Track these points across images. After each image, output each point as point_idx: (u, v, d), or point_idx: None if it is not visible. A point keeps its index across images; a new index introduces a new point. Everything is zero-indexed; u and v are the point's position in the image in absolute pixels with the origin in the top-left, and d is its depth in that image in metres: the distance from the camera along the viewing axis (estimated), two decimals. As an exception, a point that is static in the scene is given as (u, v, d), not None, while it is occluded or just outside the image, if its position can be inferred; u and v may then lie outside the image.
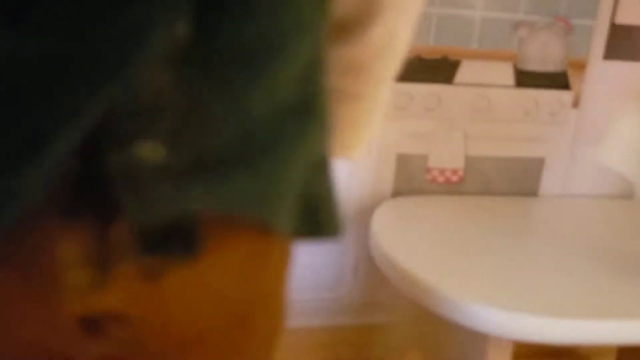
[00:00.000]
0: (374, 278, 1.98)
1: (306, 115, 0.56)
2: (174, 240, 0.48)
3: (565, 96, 1.99)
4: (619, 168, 2.11)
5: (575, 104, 2.01)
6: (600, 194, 2.13)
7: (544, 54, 1.94)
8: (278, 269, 0.62)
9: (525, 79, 1.95)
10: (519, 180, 2.05)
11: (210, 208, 0.49)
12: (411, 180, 1.98)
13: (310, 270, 1.97)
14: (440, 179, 1.99)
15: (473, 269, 1.51)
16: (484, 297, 1.36)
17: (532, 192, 2.07)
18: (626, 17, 1.96)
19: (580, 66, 1.98)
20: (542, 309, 1.34)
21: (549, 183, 2.07)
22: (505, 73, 1.93)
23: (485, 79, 1.93)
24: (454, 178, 2.00)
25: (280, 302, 0.64)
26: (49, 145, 0.42)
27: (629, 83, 2.04)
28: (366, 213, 1.87)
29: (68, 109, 0.42)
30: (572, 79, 1.98)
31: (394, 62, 0.83)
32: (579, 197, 2.11)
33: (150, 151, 0.46)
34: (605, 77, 2.01)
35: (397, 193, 1.97)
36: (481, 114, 1.96)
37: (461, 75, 1.90)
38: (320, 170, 0.63)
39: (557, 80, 1.97)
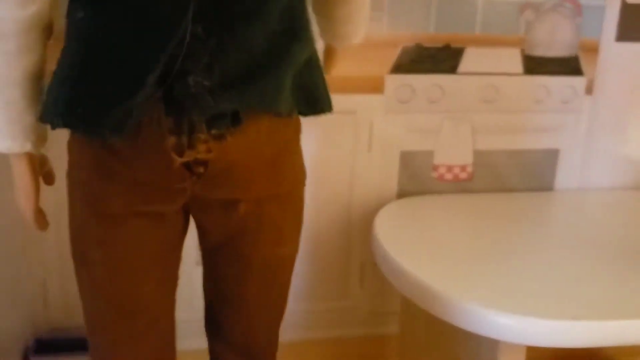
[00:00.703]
0: (381, 286, 1.85)
1: (290, 36, 0.93)
2: (224, 121, 0.90)
3: (577, 82, 1.86)
4: (636, 158, 1.98)
5: (589, 90, 1.88)
6: (620, 186, 1.99)
7: (553, 37, 1.81)
8: (291, 134, 1.03)
9: (535, 65, 1.82)
10: (532, 175, 1.91)
11: (238, 106, 0.90)
12: (417, 179, 1.85)
13: (313, 279, 1.84)
14: (448, 176, 1.86)
15: (484, 273, 1.39)
16: (493, 302, 1.25)
17: (547, 186, 1.93)
18: (639, -5, 1.84)
19: (592, 49, 1.85)
20: (555, 312, 1.23)
21: (565, 176, 1.94)
22: (512, 60, 1.81)
23: (491, 67, 1.80)
24: (463, 175, 1.87)
25: (296, 155, 1.06)
26: (146, 79, 0.84)
27: (645, 66, 1.90)
28: (370, 216, 1.74)
29: (155, 57, 0.84)
30: (584, 64, 1.85)
31: None
32: (597, 190, 1.97)
33: (195, 79, 0.87)
34: (619, 60, 1.88)
35: (402, 194, 1.85)
36: (489, 104, 1.83)
37: (465, 63, 1.78)
38: (309, 67, 1.00)
39: (569, 66, 1.84)
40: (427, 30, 1.73)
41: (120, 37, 0.86)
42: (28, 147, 0.97)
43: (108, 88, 0.87)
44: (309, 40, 0.99)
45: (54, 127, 0.93)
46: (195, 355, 1.30)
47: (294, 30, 0.94)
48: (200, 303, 1.20)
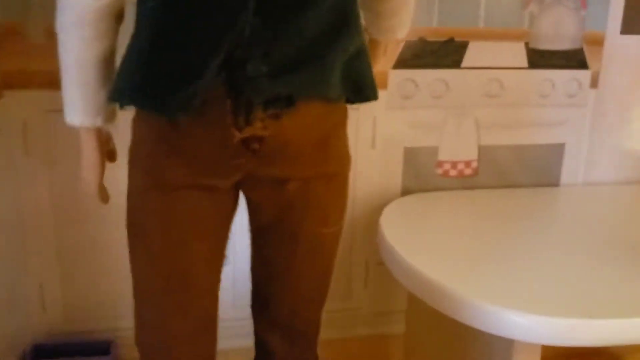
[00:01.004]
0: (386, 285, 1.81)
1: (341, 26, 1.00)
2: (279, 103, 0.97)
3: (582, 76, 1.83)
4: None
5: (594, 83, 1.85)
6: (625, 181, 1.96)
7: (557, 30, 1.78)
8: (338, 119, 1.09)
9: (539, 58, 1.79)
10: (538, 170, 1.88)
11: (291, 90, 0.97)
12: (421, 175, 1.82)
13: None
14: (453, 172, 1.83)
15: (493, 270, 1.35)
16: (508, 301, 1.22)
17: (553, 181, 1.90)
18: (644, -13, 1.81)
19: (597, 42, 1.82)
20: (570, 310, 1.20)
21: (571, 171, 1.91)
22: (517, 53, 1.78)
23: (495, 61, 1.77)
24: (468, 171, 1.84)
25: (342, 139, 1.12)
26: (209, 64, 0.92)
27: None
28: (374, 214, 1.71)
29: (218, 45, 0.92)
30: (589, 57, 1.82)
31: None
32: (604, 185, 1.94)
33: (254, 65, 0.94)
34: (624, 53, 1.85)
35: (406, 191, 1.81)
36: (493, 99, 1.80)
37: (469, 58, 1.75)
38: (358, 57, 1.05)
39: (574, 59, 1.81)
40: (430, 24, 1.70)
41: (186, 25, 0.94)
42: (99, 121, 1.09)
43: (175, 72, 0.95)
44: (359, 32, 1.05)
45: (122, 106, 1.02)
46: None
47: (344, 21, 1.01)
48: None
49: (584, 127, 1.88)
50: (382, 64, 1.40)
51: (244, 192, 1.11)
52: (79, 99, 1.07)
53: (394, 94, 1.73)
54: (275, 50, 0.95)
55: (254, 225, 1.16)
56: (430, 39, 1.71)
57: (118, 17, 1.05)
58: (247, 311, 1.25)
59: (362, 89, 1.08)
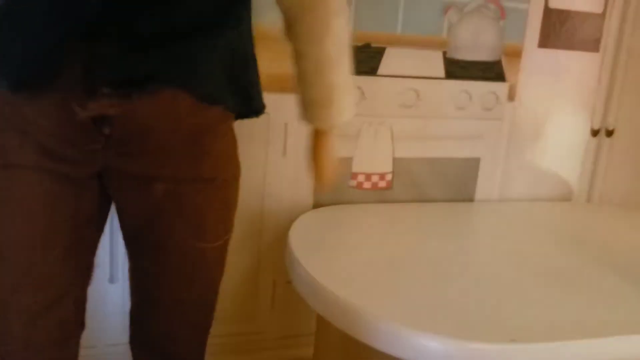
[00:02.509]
0: (294, 306, 1.69)
1: (215, 21, 0.94)
2: (133, 84, 0.90)
3: (500, 88, 1.79)
4: (556, 169, 1.93)
5: (511, 96, 1.81)
6: (541, 197, 1.93)
7: (476, 41, 1.73)
8: (216, 118, 0.99)
9: (457, 69, 1.73)
10: (453, 184, 1.82)
11: (144, 72, 0.90)
12: (334, 187, 1.71)
13: (219, 301, 1.66)
14: (367, 185, 1.74)
15: (407, 290, 1.26)
16: (423, 324, 1.12)
17: (467, 196, 1.84)
18: (561, 1, 1.79)
19: (514, 54, 1.79)
20: (491, 334, 1.11)
21: (486, 186, 1.86)
22: (434, 62, 1.71)
23: (412, 70, 1.69)
24: (382, 183, 1.75)
25: (224, 142, 1.02)
26: (52, 39, 0.88)
27: (565, 74, 1.86)
28: (283, 228, 1.59)
29: (66, 23, 0.88)
30: (507, 69, 1.78)
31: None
32: (519, 201, 1.90)
33: (107, 43, 0.88)
34: (541, 67, 1.82)
35: (318, 203, 1.70)
36: (409, 109, 1.72)
37: (386, 65, 1.66)
38: (245, 66, 1.02)
39: (491, 71, 1.77)
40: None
41: (35, 4, 0.89)
42: None
43: (21, 41, 0.90)
44: (240, 36, 1.00)
45: None
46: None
47: (220, 18, 0.94)
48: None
49: (500, 141, 1.83)
50: (329, 163, 1.20)
51: (109, 191, 1.02)
52: None
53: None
54: (132, 31, 0.88)
55: (123, 232, 1.06)
56: (346, 43, 1.61)
57: None
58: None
59: (252, 98, 1.03)
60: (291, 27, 1.07)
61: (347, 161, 1.70)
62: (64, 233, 0.98)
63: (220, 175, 1.02)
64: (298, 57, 1.09)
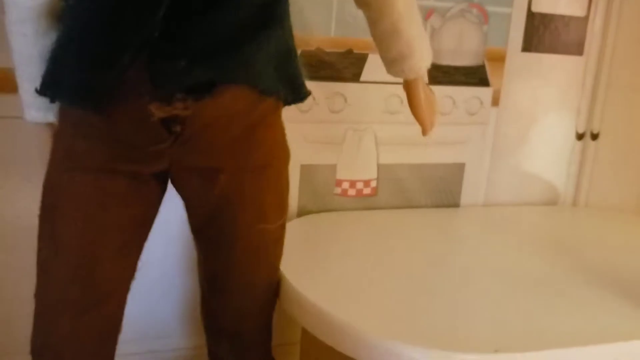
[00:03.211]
0: (280, 314, 1.67)
1: (260, 25, 1.00)
2: (201, 88, 0.96)
3: (484, 93, 1.78)
4: (542, 173, 1.92)
5: (495, 101, 1.80)
6: (526, 202, 1.93)
7: (459, 46, 1.72)
8: (269, 109, 1.08)
9: (440, 74, 1.72)
10: (438, 190, 1.81)
11: (211, 77, 0.97)
12: (318, 195, 1.70)
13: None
14: (351, 192, 1.73)
15: (392, 300, 1.24)
16: (408, 336, 1.11)
17: (453, 202, 1.84)
18: (544, 5, 1.78)
19: (498, 59, 1.78)
20: (475, 344, 1.10)
21: (471, 191, 1.85)
22: (417, 68, 1.69)
23: (396, 76, 1.68)
24: (367, 190, 1.74)
25: (274, 130, 1.12)
26: (122, 56, 0.93)
27: (549, 78, 1.85)
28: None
29: (130, 39, 0.93)
30: (490, 74, 1.78)
31: None
32: (504, 206, 1.90)
33: (171, 59, 0.94)
34: (525, 71, 1.82)
35: (303, 211, 1.69)
36: (393, 115, 1.71)
37: (368, 71, 1.65)
38: (289, 59, 1.09)
39: (475, 76, 1.76)
40: (327, 33, 1.59)
41: (99, 21, 0.95)
42: (50, 117, 1.10)
43: (87, 63, 0.96)
44: (283, 32, 1.06)
45: (41, 95, 1.02)
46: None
47: (264, 20, 1.00)
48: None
49: (484, 146, 1.82)
50: (428, 110, 1.31)
51: (175, 186, 1.10)
52: (30, 95, 1.07)
53: (290, 106, 1.60)
54: (192, 44, 0.95)
55: (191, 225, 1.15)
56: (329, 49, 1.60)
57: (59, 17, 1.04)
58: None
59: (300, 85, 1.12)
60: None
61: (332, 168, 1.69)
62: (118, 233, 1.04)
63: (274, 162, 1.11)
64: (374, 22, 1.20)
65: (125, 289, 1.10)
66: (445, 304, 1.25)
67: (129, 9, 0.92)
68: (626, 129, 1.96)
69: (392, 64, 1.24)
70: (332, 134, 1.67)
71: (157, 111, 0.96)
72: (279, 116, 1.13)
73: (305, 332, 1.65)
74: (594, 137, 1.93)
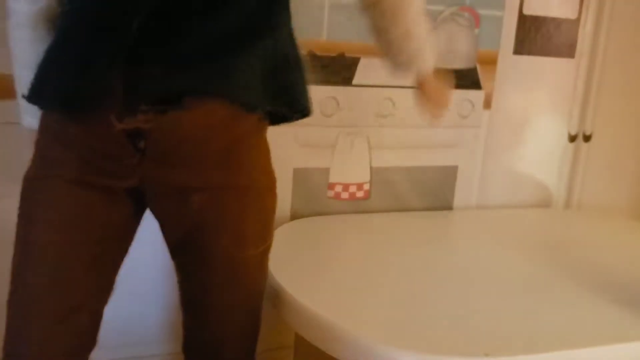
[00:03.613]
0: (274, 318, 1.67)
1: (252, 33, 0.96)
2: (169, 99, 0.93)
3: (476, 96, 1.79)
4: (534, 175, 1.93)
5: (487, 104, 1.81)
6: (519, 204, 1.93)
7: (450, 48, 1.72)
8: (251, 127, 1.02)
9: (432, 77, 1.72)
10: (431, 193, 1.82)
11: (182, 88, 0.94)
12: (311, 198, 1.70)
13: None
14: (344, 195, 1.73)
15: (385, 305, 1.25)
16: (401, 340, 1.11)
17: (446, 205, 1.84)
18: (535, 8, 1.79)
19: (489, 62, 1.78)
20: (466, 349, 1.10)
21: (464, 194, 1.85)
22: (409, 71, 1.70)
23: (387, 79, 1.68)
24: (360, 194, 1.74)
25: (257, 151, 1.04)
26: (95, 63, 0.92)
27: (541, 80, 1.86)
28: (260, 240, 1.57)
29: (106, 46, 0.92)
30: (482, 77, 1.78)
31: None
32: (497, 209, 1.90)
33: (148, 65, 0.92)
34: (517, 73, 1.82)
35: (295, 215, 1.69)
36: (385, 119, 1.71)
37: (361, 74, 1.66)
38: (286, 69, 1.02)
39: (467, 79, 1.77)
40: (319, 37, 1.59)
41: (81, 27, 0.95)
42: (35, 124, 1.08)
43: (66, 69, 0.96)
44: (276, 42, 1.01)
45: (27, 100, 1.01)
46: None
47: (254, 29, 0.97)
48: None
49: (477, 149, 1.83)
50: (440, 100, 1.28)
51: (149, 206, 1.05)
52: (25, 101, 1.06)
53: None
54: (170, 51, 0.93)
55: (167, 245, 1.09)
56: (320, 53, 1.60)
57: (55, 22, 1.04)
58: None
59: (296, 100, 1.05)
60: (375, 6, 1.15)
61: (324, 172, 1.69)
62: (91, 244, 1.01)
63: (254, 184, 1.04)
64: (384, 30, 1.16)
65: (100, 302, 1.06)
66: (438, 308, 1.25)
67: (110, 14, 0.92)
68: (618, 130, 1.96)
69: (400, 67, 1.22)
70: (325, 138, 1.67)
71: (118, 123, 0.93)
72: (263, 138, 1.06)
73: (299, 336, 1.65)
74: (587, 139, 1.94)
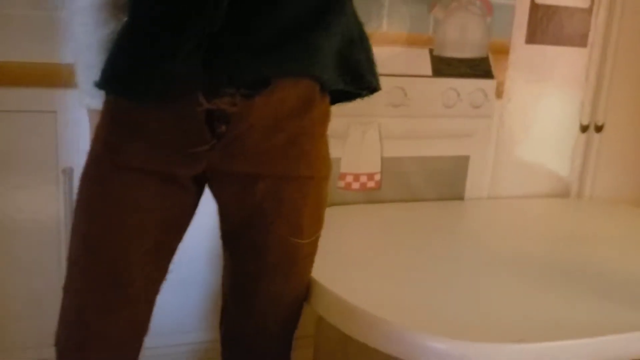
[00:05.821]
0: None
1: (324, 9, 0.96)
2: (256, 84, 0.94)
3: (488, 85, 1.77)
4: (546, 165, 1.92)
5: (499, 94, 1.79)
6: (531, 194, 1.92)
7: (463, 37, 1.71)
8: (317, 116, 1.04)
9: (444, 66, 1.71)
10: (442, 183, 1.80)
11: (268, 72, 0.95)
12: (322, 189, 1.69)
13: (207, 307, 1.64)
14: (355, 185, 1.72)
15: (410, 290, 1.23)
16: (428, 325, 1.10)
17: (457, 195, 1.83)
18: (547, -4, 1.78)
19: (501, 51, 1.77)
20: (498, 334, 1.09)
21: (475, 184, 1.84)
22: (421, 60, 1.69)
23: (399, 68, 1.68)
24: (371, 184, 1.73)
25: (320, 142, 1.07)
26: (180, 48, 0.91)
27: (553, 70, 1.84)
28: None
29: (190, 31, 0.91)
30: (494, 66, 1.77)
31: None
32: (509, 199, 1.89)
33: (230, 48, 0.92)
34: (529, 63, 1.81)
35: (306, 205, 1.68)
36: (397, 108, 1.70)
37: (372, 64, 1.64)
38: (353, 46, 1.04)
39: (479, 68, 1.75)
40: (331, 25, 1.58)
41: (159, 12, 0.94)
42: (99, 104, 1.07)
43: (145, 54, 0.95)
44: (347, 16, 1.02)
45: (100, 89, 1.01)
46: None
47: (328, 4, 0.97)
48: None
49: (489, 139, 1.82)
50: None
51: (212, 191, 1.07)
52: (85, 82, 1.07)
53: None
54: (253, 34, 0.92)
55: (223, 229, 1.11)
56: (332, 42, 1.59)
57: (120, 7, 1.05)
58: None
59: (362, 75, 1.06)
60: None
61: (335, 162, 1.68)
62: (152, 235, 1.02)
63: (315, 175, 1.06)
64: None
65: (155, 291, 1.08)
66: (462, 295, 1.24)
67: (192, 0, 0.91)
68: (630, 120, 1.95)
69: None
70: (336, 128, 1.65)
71: (206, 102, 0.93)
72: (326, 129, 1.09)
73: (319, 323, 1.64)
74: (598, 129, 1.93)
